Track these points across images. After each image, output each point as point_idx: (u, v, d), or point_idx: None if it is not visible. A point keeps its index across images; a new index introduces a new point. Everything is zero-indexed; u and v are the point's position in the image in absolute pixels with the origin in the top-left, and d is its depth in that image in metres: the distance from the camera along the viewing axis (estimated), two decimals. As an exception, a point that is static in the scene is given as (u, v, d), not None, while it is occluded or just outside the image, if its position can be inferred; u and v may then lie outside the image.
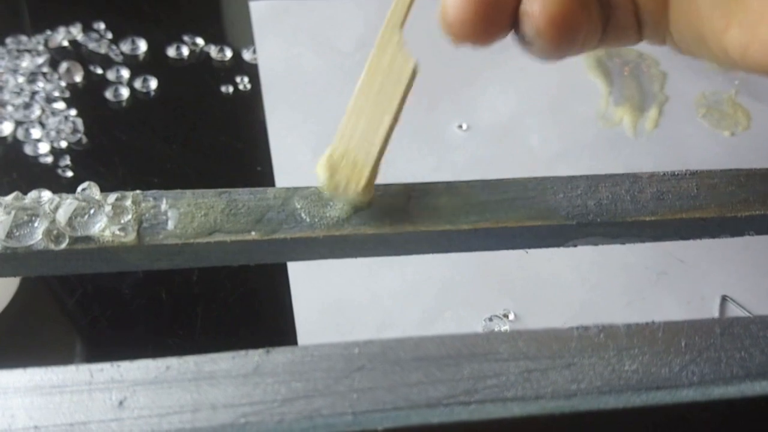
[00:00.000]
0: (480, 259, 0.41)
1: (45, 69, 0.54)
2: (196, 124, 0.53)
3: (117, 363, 0.23)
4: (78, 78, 0.54)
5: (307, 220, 0.26)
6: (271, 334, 0.43)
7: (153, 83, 0.54)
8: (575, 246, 0.28)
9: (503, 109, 0.54)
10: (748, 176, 0.28)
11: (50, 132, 0.50)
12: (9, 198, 0.25)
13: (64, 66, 0.54)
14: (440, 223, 0.26)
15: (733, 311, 0.45)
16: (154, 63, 0.56)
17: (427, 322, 0.43)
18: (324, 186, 0.25)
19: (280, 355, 0.23)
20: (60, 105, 0.52)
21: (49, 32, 0.56)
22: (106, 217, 0.25)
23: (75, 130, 0.51)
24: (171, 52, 0.56)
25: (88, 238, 0.24)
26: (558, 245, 0.28)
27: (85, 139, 0.51)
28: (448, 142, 0.52)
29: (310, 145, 0.51)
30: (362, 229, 0.26)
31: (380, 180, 0.26)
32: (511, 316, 0.44)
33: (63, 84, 0.53)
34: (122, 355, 0.23)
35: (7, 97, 0.52)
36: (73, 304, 0.43)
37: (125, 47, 0.56)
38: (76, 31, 0.57)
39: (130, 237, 0.24)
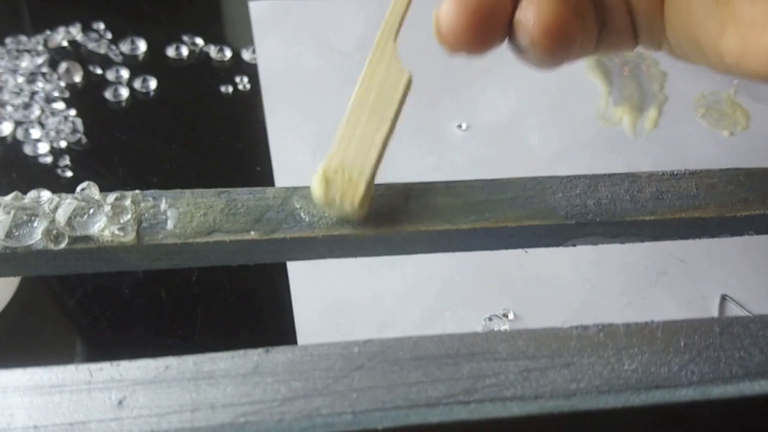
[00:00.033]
0: (479, 259, 0.41)
1: (44, 69, 0.54)
2: (196, 124, 0.53)
3: (116, 362, 0.23)
4: (77, 78, 0.54)
5: (307, 219, 0.26)
6: (270, 334, 0.43)
7: (152, 83, 0.54)
8: (574, 245, 0.28)
9: (503, 109, 0.54)
10: (747, 176, 0.28)
11: (50, 132, 0.50)
12: (8, 198, 0.25)
13: (63, 66, 0.54)
14: (440, 223, 0.26)
15: (733, 311, 0.45)
16: (153, 63, 0.56)
17: (427, 322, 0.43)
18: (319, 201, 0.25)
19: (279, 354, 0.23)
20: (59, 105, 0.52)
21: (48, 32, 0.56)
22: (105, 217, 0.25)
23: (74, 130, 0.51)
24: (170, 52, 0.56)
25: (87, 238, 0.24)
26: (557, 245, 0.28)
27: (84, 139, 0.51)
28: (448, 141, 0.52)
29: (310, 145, 0.51)
30: (362, 228, 0.26)
31: (379, 180, 0.26)
32: (511, 316, 0.44)
33: (62, 84, 0.53)
34: (122, 355, 0.23)
35: (6, 97, 0.52)
36: (73, 304, 0.43)
37: (125, 47, 0.56)
38: (76, 31, 0.57)
39: (130, 237, 0.24)
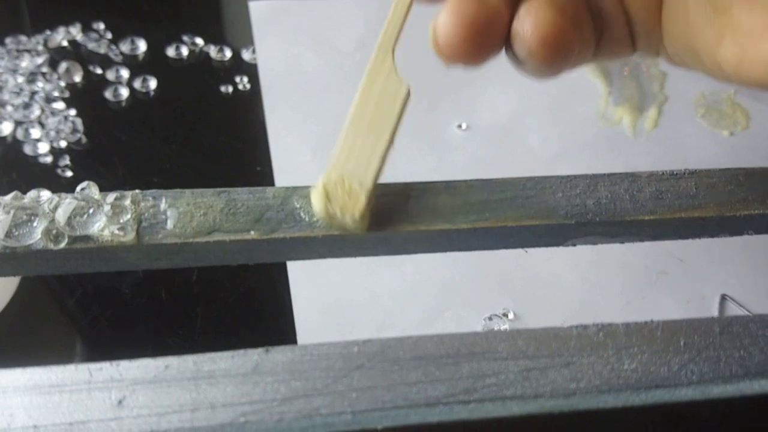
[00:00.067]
0: (479, 259, 0.41)
1: (44, 69, 0.54)
2: (196, 124, 0.53)
3: (116, 362, 0.23)
4: (77, 78, 0.54)
5: (307, 219, 0.26)
6: (270, 334, 0.43)
7: (152, 83, 0.54)
8: (574, 245, 0.28)
9: (503, 109, 0.54)
10: (747, 175, 0.28)
11: (50, 132, 0.50)
12: (8, 197, 0.25)
13: (63, 66, 0.54)
14: (439, 223, 0.26)
15: (733, 310, 0.45)
16: (153, 63, 0.56)
17: (426, 322, 0.43)
18: (319, 214, 0.25)
19: (279, 354, 0.23)
20: (59, 105, 0.52)
21: (48, 32, 0.56)
22: (105, 217, 0.25)
23: (74, 130, 0.51)
24: (170, 52, 0.56)
25: (87, 238, 0.24)
26: (557, 244, 0.28)
27: (84, 139, 0.51)
28: (448, 141, 0.52)
29: (310, 145, 0.51)
30: (361, 228, 0.26)
31: (379, 180, 0.26)
32: (511, 316, 0.44)
33: (62, 84, 0.53)
34: (122, 354, 0.23)
35: (6, 97, 0.52)
36: (72, 303, 0.43)
37: (125, 47, 0.56)
38: (76, 31, 0.57)
39: (130, 236, 0.24)
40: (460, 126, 0.53)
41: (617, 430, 0.40)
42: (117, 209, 0.25)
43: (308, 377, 0.23)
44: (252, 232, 0.25)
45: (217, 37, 0.58)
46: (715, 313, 0.45)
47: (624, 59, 0.58)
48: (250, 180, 0.50)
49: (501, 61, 0.25)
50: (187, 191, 0.26)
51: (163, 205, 0.25)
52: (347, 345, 0.24)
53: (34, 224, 0.24)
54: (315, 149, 0.50)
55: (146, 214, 0.25)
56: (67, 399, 0.22)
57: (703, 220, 0.27)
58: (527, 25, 0.24)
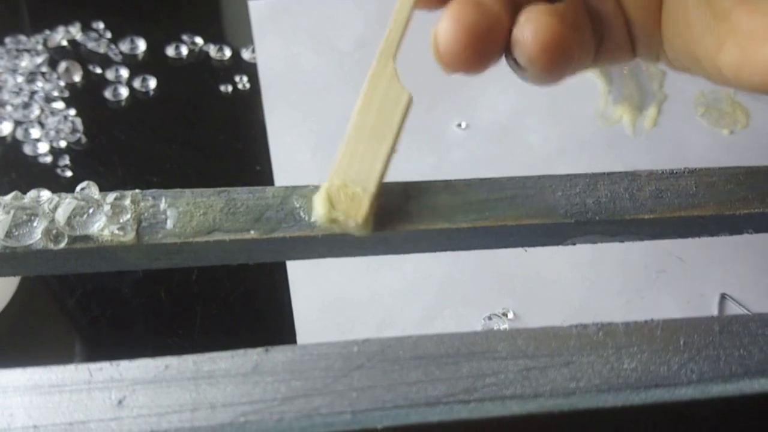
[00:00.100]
0: (479, 258, 0.41)
1: (44, 69, 0.54)
2: (196, 123, 0.53)
3: (116, 362, 0.23)
4: (77, 78, 0.54)
5: (306, 218, 0.26)
6: (270, 334, 0.43)
7: (152, 83, 0.54)
8: (574, 244, 0.28)
9: (502, 108, 0.54)
10: (746, 174, 0.28)
11: (49, 132, 0.50)
12: (8, 197, 0.25)
13: (63, 65, 0.54)
14: (439, 222, 0.26)
15: (733, 309, 0.45)
16: (153, 62, 0.56)
17: (426, 321, 0.43)
18: (322, 220, 0.25)
19: (279, 353, 0.23)
20: (59, 105, 0.52)
21: (48, 32, 0.56)
22: (105, 217, 0.25)
23: (74, 130, 0.51)
24: (170, 51, 0.56)
25: (87, 238, 0.24)
26: (557, 243, 0.28)
27: (84, 139, 0.51)
28: (448, 140, 0.52)
29: (310, 145, 0.51)
30: (361, 228, 0.26)
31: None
32: (511, 315, 0.44)
33: (62, 84, 0.53)
34: (122, 354, 0.23)
35: (6, 96, 0.52)
36: (72, 303, 0.43)
37: (124, 47, 0.56)
38: (75, 31, 0.57)
39: (129, 236, 0.24)
40: (459, 125, 0.53)
41: (617, 429, 0.40)
42: (117, 209, 0.25)
43: (308, 377, 0.23)
44: (252, 232, 0.25)
45: (216, 37, 0.58)
46: (715, 312, 0.45)
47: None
48: (249, 179, 0.50)
49: (501, 61, 0.25)
50: (187, 191, 0.26)
51: (162, 205, 0.25)
52: (347, 344, 0.24)
53: (34, 224, 0.24)
54: (315, 149, 0.50)
55: (146, 214, 0.25)
56: (67, 399, 0.22)
57: (703, 218, 0.27)
58: (527, 31, 0.24)
